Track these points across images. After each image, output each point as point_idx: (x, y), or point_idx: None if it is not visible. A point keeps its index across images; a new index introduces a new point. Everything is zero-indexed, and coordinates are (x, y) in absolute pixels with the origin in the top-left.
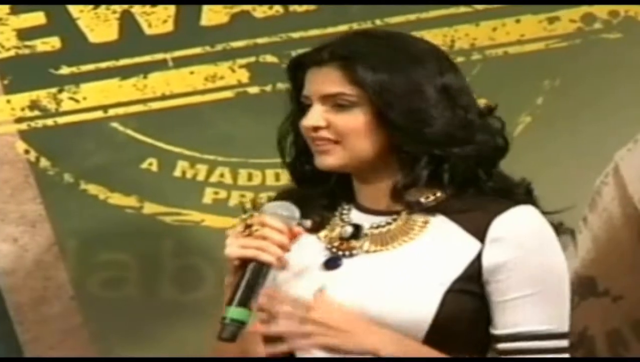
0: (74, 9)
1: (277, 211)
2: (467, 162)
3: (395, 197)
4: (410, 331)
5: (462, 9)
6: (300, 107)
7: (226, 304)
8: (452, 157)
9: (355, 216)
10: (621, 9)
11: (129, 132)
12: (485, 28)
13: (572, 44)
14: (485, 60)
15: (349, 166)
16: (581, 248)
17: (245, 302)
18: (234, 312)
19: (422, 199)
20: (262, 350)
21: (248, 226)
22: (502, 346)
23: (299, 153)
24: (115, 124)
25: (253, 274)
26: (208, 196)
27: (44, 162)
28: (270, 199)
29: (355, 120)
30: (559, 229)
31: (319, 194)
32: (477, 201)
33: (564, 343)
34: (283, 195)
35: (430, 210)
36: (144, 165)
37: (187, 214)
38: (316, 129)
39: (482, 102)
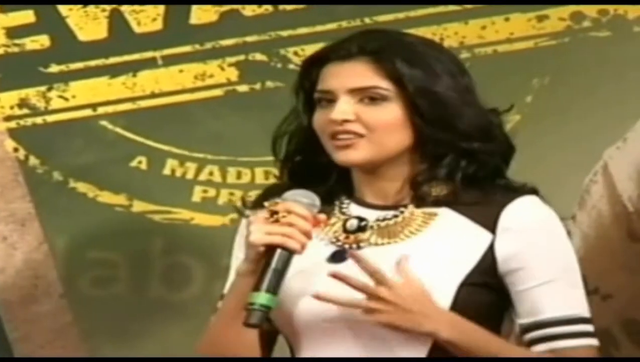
0: (63, 7)
1: (299, 199)
2: (494, 158)
3: (407, 191)
4: None
5: (451, 7)
6: (312, 103)
7: (252, 290)
8: (481, 152)
9: (356, 210)
10: (610, 7)
11: (118, 130)
12: (474, 26)
13: (561, 42)
14: (474, 59)
15: (372, 161)
16: None
17: (273, 289)
18: (263, 298)
19: (433, 193)
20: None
21: (274, 213)
22: (530, 335)
23: (299, 149)
24: (104, 122)
25: (279, 261)
26: (197, 194)
27: (33, 161)
28: (258, 197)
29: (388, 115)
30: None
31: (319, 189)
32: (483, 193)
33: (590, 328)
34: (273, 190)
35: (438, 203)
36: (133, 163)
37: (176, 212)
38: (344, 122)
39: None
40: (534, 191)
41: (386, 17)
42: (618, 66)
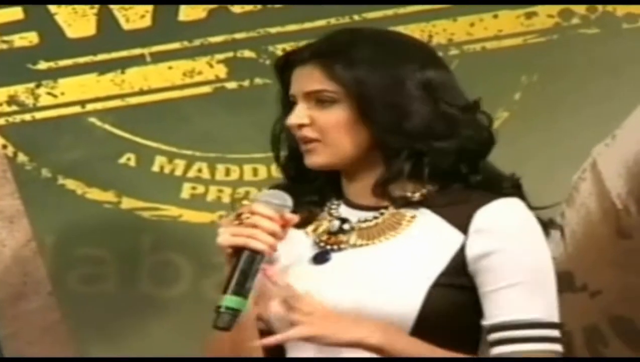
0: (52, 4)
1: (268, 199)
2: (448, 157)
3: (379, 192)
4: (397, 325)
5: (440, 4)
6: (289, 106)
7: (221, 293)
8: (431, 151)
9: (344, 211)
10: (599, 4)
11: (107, 127)
12: (462, 23)
13: (549, 39)
14: (463, 56)
15: (335, 164)
16: (559, 243)
17: (239, 291)
18: (229, 300)
19: (408, 194)
20: (255, 343)
21: (239, 215)
22: (493, 336)
23: (289, 152)
24: (93, 119)
25: (246, 262)
26: (186, 191)
27: (21, 157)
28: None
29: (336, 117)
30: (549, 225)
31: (308, 190)
32: (463, 194)
33: (554, 333)
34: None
35: (416, 205)
36: (122, 160)
37: (165, 209)
38: (300, 126)
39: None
40: (516, 188)
41: (375, 14)
42: (607, 63)
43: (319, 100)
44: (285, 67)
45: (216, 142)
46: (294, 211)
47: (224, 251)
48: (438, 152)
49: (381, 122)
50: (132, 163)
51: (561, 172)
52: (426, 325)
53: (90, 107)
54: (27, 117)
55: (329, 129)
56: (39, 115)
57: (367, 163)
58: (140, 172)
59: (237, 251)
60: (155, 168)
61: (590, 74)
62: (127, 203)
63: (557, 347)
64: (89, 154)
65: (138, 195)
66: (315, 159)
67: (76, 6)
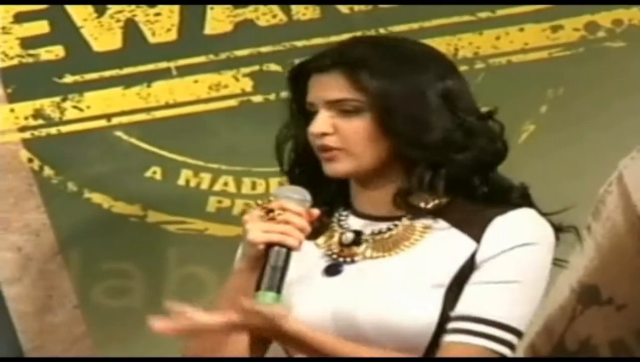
0: (77, 18)
1: (290, 195)
2: (465, 168)
3: (397, 203)
4: (418, 334)
5: (466, 17)
6: (305, 114)
7: (255, 290)
8: (451, 163)
9: (354, 221)
10: (625, 17)
11: (133, 140)
12: (488, 37)
13: (575, 52)
14: (489, 69)
15: (357, 173)
16: (585, 256)
17: (274, 286)
18: (267, 296)
19: (423, 205)
20: (231, 349)
21: (269, 211)
22: (451, 324)
23: (297, 160)
24: (119, 133)
25: (278, 258)
26: (212, 205)
27: (47, 171)
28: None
29: (360, 126)
30: (562, 229)
31: (317, 200)
32: (478, 205)
33: (509, 336)
34: None
35: (431, 215)
36: (148, 173)
37: (190, 223)
38: (323, 135)
39: (484, 111)
40: (525, 198)
41: (401, 28)
42: (633, 76)
43: (342, 109)
44: (301, 74)
45: (242, 156)
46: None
47: (256, 246)
48: (456, 164)
49: (402, 133)
50: (158, 177)
51: (587, 185)
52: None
53: (116, 120)
54: (53, 130)
55: (353, 138)
56: (64, 128)
57: (387, 173)
58: (166, 185)
59: (268, 247)
60: (181, 182)
61: (616, 87)
62: (153, 217)
63: (505, 351)
64: (115, 167)
65: (164, 209)
66: (338, 167)
67: (102, 19)
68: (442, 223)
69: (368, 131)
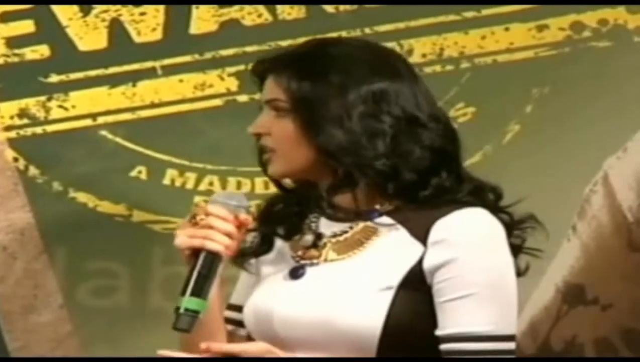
0: (63, 17)
1: (223, 200)
2: (382, 175)
3: (347, 204)
4: (365, 337)
5: (451, 17)
6: None
7: (180, 295)
8: (365, 168)
9: (323, 223)
10: (610, 17)
11: (118, 140)
12: (474, 36)
13: (561, 52)
14: (474, 69)
15: (292, 174)
16: (570, 256)
17: (198, 292)
18: (188, 302)
19: (377, 207)
20: (203, 346)
21: (193, 216)
22: (444, 346)
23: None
24: (104, 132)
25: (203, 264)
26: None
27: (32, 170)
28: (260, 207)
29: (286, 127)
30: (522, 220)
31: (292, 202)
32: (428, 207)
33: (509, 345)
34: (274, 201)
35: (384, 218)
36: (133, 173)
37: (176, 222)
38: (257, 135)
39: (470, 110)
40: (476, 195)
41: (386, 27)
42: (618, 76)
43: (275, 108)
44: (260, 75)
45: (227, 155)
46: (280, 224)
47: (182, 252)
48: (372, 170)
49: (318, 135)
50: (143, 176)
51: (572, 184)
52: (393, 336)
53: (101, 120)
54: (39, 130)
55: (281, 138)
56: (50, 128)
57: (322, 175)
58: (151, 185)
59: (195, 252)
60: (167, 181)
61: (602, 86)
62: (138, 216)
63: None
64: (100, 167)
65: (149, 208)
66: (272, 169)
67: (87, 19)
68: (394, 225)
69: (293, 132)
